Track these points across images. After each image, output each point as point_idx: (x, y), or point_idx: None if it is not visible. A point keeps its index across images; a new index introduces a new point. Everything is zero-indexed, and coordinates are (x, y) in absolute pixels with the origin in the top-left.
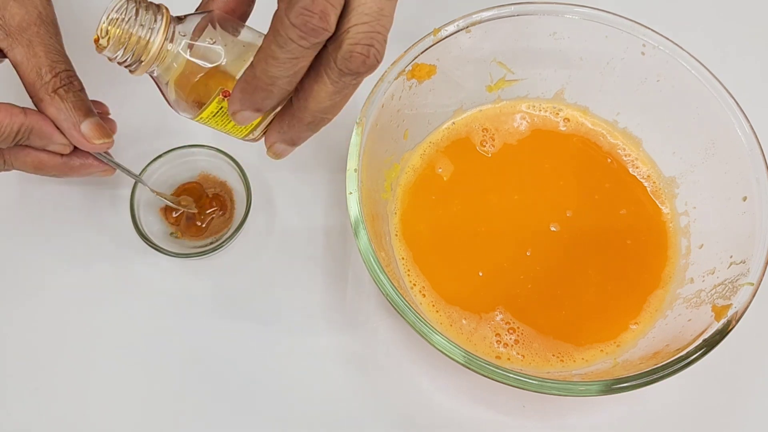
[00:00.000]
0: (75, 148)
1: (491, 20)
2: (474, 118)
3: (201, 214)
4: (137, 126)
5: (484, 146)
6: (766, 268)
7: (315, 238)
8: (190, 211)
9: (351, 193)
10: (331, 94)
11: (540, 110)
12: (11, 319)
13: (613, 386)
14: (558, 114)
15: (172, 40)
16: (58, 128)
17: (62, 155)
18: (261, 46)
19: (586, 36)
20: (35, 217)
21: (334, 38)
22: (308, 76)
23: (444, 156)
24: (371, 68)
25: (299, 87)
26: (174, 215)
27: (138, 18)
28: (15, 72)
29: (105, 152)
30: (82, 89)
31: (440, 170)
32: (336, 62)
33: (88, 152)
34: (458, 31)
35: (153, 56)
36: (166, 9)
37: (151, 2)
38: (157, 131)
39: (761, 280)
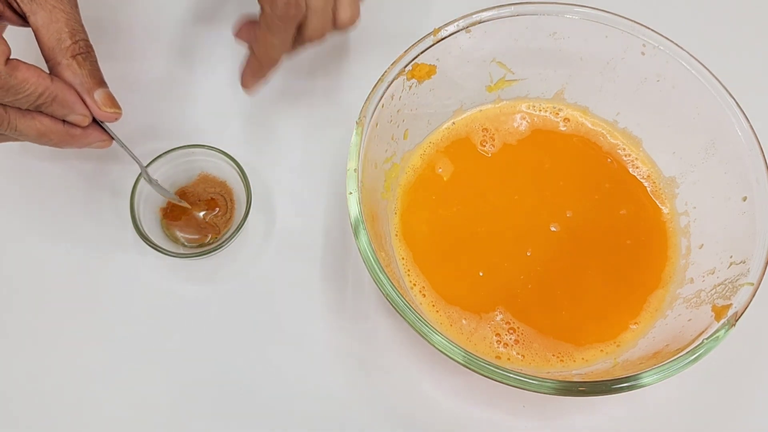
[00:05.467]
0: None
1: (491, 20)
2: (474, 118)
3: (196, 216)
4: (137, 127)
5: (484, 146)
6: (766, 268)
7: (315, 238)
8: (183, 205)
9: (351, 193)
10: (273, 42)
11: (540, 110)
12: (10, 320)
13: (613, 386)
14: (558, 114)
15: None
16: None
17: (64, 122)
18: (259, 42)
19: (586, 36)
20: (35, 219)
21: None
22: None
23: (444, 156)
24: (293, 13)
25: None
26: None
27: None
28: (30, 43)
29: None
30: (96, 60)
31: (440, 170)
32: (267, 16)
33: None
34: (458, 31)
35: None
36: None
37: None
38: (157, 132)
39: (761, 280)
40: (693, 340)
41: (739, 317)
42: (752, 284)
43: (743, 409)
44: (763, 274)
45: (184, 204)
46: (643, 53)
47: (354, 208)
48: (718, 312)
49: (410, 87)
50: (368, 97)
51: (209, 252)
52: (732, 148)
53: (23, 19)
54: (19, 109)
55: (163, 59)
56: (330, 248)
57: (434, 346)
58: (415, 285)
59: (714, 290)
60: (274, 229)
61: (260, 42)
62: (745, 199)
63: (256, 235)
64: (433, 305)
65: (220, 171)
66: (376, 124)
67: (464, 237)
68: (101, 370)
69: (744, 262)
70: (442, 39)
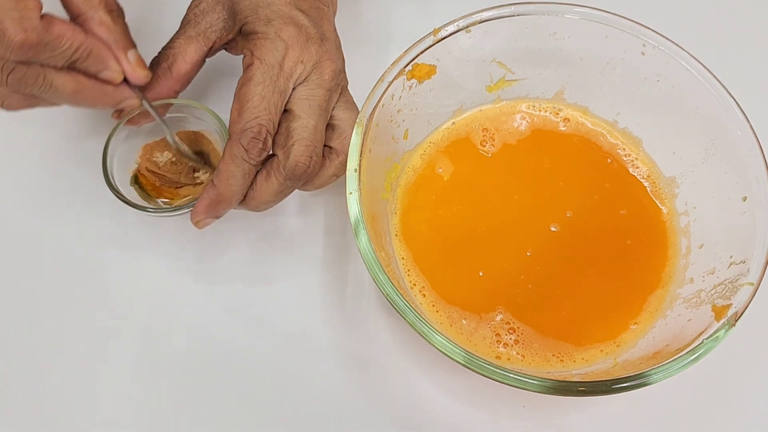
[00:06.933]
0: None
1: (491, 20)
2: (474, 118)
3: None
4: None
5: (484, 146)
6: (766, 268)
7: (315, 238)
8: (196, 164)
9: (351, 193)
10: (275, 192)
11: (540, 110)
12: (8, 322)
13: (613, 386)
14: (558, 114)
15: None
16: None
17: (98, 79)
18: (219, 170)
19: (586, 36)
20: (31, 216)
21: (283, 149)
22: (260, 174)
23: (444, 156)
24: (310, 176)
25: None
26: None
27: None
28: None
29: None
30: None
31: (440, 170)
32: (284, 168)
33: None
34: (458, 31)
35: None
36: None
37: None
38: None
39: (761, 280)
40: (693, 340)
41: (739, 317)
42: (752, 284)
43: (743, 409)
44: (763, 274)
45: (200, 164)
46: (643, 53)
47: (354, 208)
48: (718, 312)
49: (410, 87)
50: (368, 97)
51: (185, 209)
52: (732, 148)
53: None
54: (54, 66)
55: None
56: (330, 248)
57: (434, 346)
58: (415, 285)
59: (714, 290)
60: (274, 229)
61: (222, 171)
62: (745, 199)
63: (256, 235)
64: (433, 305)
65: (205, 128)
66: (377, 124)
67: (464, 237)
68: (100, 371)
69: (744, 262)
70: (442, 39)
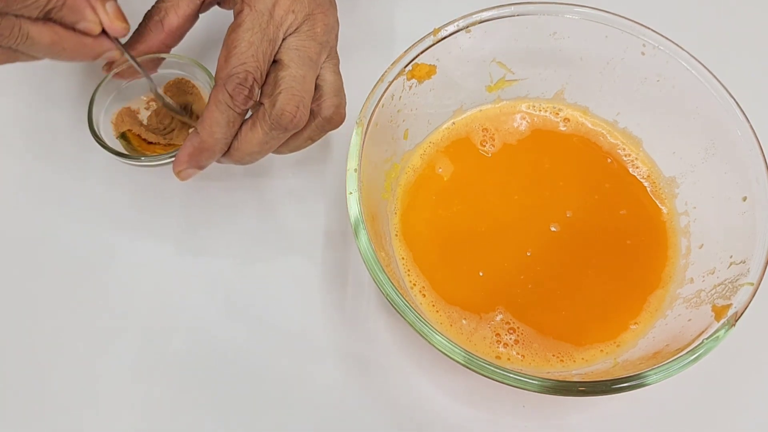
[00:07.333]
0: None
1: (491, 20)
2: (474, 118)
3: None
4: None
5: (484, 146)
6: (766, 268)
7: (315, 238)
8: (180, 118)
9: (351, 193)
10: (260, 142)
11: (540, 110)
12: (8, 323)
13: (613, 386)
14: (558, 114)
15: None
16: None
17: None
18: (203, 117)
19: (586, 36)
20: (30, 215)
21: (270, 98)
22: (245, 124)
23: (444, 156)
24: (297, 127)
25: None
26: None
27: None
28: None
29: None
30: None
31: (440, 170)
32: (269, 117)
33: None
34: (458, 31)
35: None
36: None
37: None
38: None
39: (761, 280)
40: (693, 340)
41: (739, 317)
42: (752, 284)
43: (743, 409)
44: (763, 274)
45: (185, 119)
46: (643, 53)
47: (354, 208)
48: (718, 312)
49: (410, 87)
50: (368, 97)
51: (169, 156)
52: (732, 148)
53: None
54: (29, 17)
55: None
56: (330, 248)
57: (434, 346)
58: (415, 285)
59: (714, 290)
60: (273, 229)
61: (206, 118)
62: (745, 199)
63: (255, 235)
64: (433, 305)
65: (193, 79)
66: (376, 124)
67: (464, 237)
68: (101, 370)
69: (744, 262)
70: (442, 39)
